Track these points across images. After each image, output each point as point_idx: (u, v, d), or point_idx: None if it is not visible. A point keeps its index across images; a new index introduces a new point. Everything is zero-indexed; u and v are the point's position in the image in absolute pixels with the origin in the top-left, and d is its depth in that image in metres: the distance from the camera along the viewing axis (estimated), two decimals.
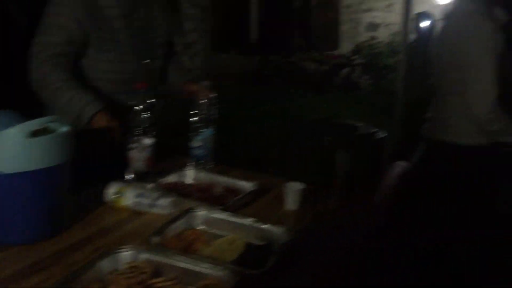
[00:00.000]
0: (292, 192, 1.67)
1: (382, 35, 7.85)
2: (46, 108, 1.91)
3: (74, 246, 1.32)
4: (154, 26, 2.08)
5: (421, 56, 2.93)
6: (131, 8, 1.98)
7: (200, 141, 1.93)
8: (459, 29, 2.31)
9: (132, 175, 1.73)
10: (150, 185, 1.64)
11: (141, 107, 1.73)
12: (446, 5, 2.72)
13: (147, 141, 1.74)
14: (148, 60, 1.97)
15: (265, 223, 1.44)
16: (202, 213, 1.49)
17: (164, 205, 1.53)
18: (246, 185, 1.77)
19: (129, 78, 1.90)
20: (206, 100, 1.92)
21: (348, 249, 1.53)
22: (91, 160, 1.69)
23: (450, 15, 2.47)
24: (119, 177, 1.67)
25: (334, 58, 8.01)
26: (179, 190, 1.72)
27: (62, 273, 1.17)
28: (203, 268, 1.18)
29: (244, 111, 5.35)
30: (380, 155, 2.22)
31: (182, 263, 1.20)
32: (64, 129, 1.35)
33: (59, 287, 1.10)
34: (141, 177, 1.72)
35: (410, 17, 3.84)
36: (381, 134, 2.31)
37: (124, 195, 1.55)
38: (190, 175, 1.85)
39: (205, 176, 1.84)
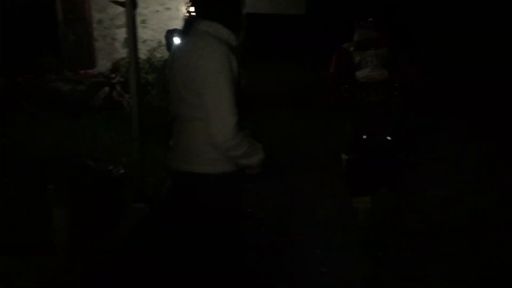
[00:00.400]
0: None
1: (140, 51, 7.61)
2: None
3: None
4: None
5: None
6: None
7: None
8: (192, 51, 2.11)
9: None
10: None
11: None
12: (184, 22, 2.53)
13: None
14: None
15: None
16: None
17: None
18: None
19: None
20: None
21: None
22: None
23: (185, 34, 2.28)
24: None
25: (91, 77, 7.46)
26: None
27: None
28: None
29: None
30: (117, 198, 1.88)
31: None
32: None
33: None
34: None
35: (136, 33, 3.62)
36: (119, 171, 1.98)
37: None
38: None
39: None
